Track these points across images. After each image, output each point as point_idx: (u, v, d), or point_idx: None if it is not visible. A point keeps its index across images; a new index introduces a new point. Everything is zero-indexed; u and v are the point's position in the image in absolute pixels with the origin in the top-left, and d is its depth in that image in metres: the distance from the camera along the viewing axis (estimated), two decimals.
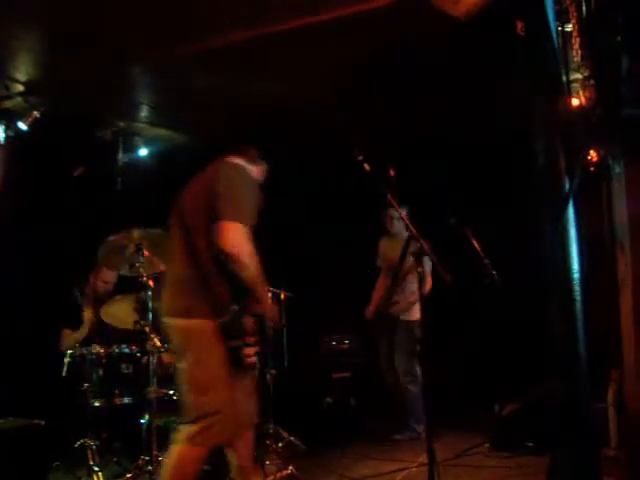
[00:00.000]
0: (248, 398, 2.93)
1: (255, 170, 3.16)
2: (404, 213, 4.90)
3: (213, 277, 2.77)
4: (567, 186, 2.41)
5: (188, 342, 2.83)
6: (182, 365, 2.86)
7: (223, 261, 2.69)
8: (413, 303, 5.20)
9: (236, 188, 2.82)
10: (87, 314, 4.76)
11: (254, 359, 2.79)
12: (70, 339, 4.67)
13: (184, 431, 2.77)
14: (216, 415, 2.73)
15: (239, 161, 3.07)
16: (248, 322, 2.79)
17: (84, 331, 4.73)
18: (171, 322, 2.87)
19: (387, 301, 5.34)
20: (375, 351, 5.60)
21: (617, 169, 3.25)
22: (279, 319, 3.03)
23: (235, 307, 2.73)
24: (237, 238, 2.68)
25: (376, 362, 5.58)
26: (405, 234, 5.13)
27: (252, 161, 3.15)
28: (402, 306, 5.35)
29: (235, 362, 2.75)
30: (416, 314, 5.05)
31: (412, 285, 5.22)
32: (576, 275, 2.36)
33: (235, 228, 2.68)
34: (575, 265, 2.38)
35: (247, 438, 2.96)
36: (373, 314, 5.57)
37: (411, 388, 5.21)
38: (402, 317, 5.34)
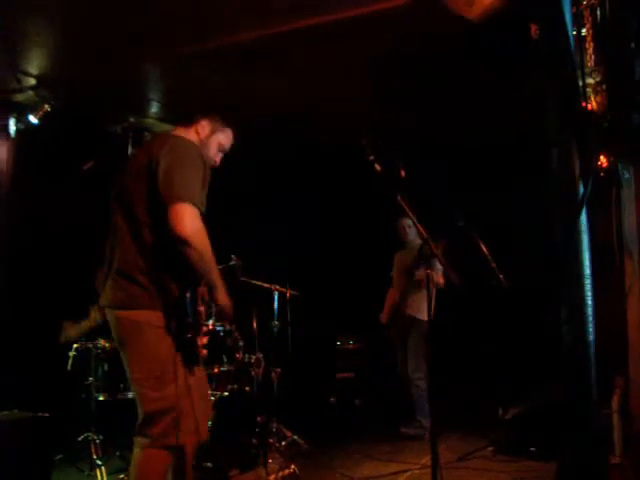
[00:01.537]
0: (202, 402, 2.66)
1: (214, 142, 2.87)
2: (415, 217, 4.92)
3: (161, 264, 2.54)
4: (581, 190, 2.40)
5: (136, 334, 2.55)
6: (129, 360, 2.62)
7: (179, 248, 2.45)
8: (424, 303, 5.22)
9: (186, 167, 2.56)
10: (94, 312, 4.74)
11: (205, 351, 2.59)
12: (70, 331, 4.66)
13: (144, 439, 2.56)
14: (175, 409, 2.50)
15: (189, 137, 2.79)
16: (200, 310, 2.60)
17: (86, 325, 4.72)
18: (114, 314, 2.61)
19: (404, 300, 5.40)
20: (389, 350, 5.68)
21: (627, 175, 3.24)
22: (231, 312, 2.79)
23: (188, 295, 2.52)
24: (194, 223, 2.46)
25: (384, 362, 5.63)
26: (419, 241, 5.18)
27: (215, 129, 2.87)
28: (414, 305, 5.40)
29: (189, 355, 2.53)
30: (426, 314, 5.09)
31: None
32: (588, 280, 2.36)
33: (191, 212, 2.46)
34: (587, 270, 2.37)
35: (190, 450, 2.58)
36: (387, 321, 5.68)
37: (420, 385, 5.30)
38: (414, 315, 5.39)
